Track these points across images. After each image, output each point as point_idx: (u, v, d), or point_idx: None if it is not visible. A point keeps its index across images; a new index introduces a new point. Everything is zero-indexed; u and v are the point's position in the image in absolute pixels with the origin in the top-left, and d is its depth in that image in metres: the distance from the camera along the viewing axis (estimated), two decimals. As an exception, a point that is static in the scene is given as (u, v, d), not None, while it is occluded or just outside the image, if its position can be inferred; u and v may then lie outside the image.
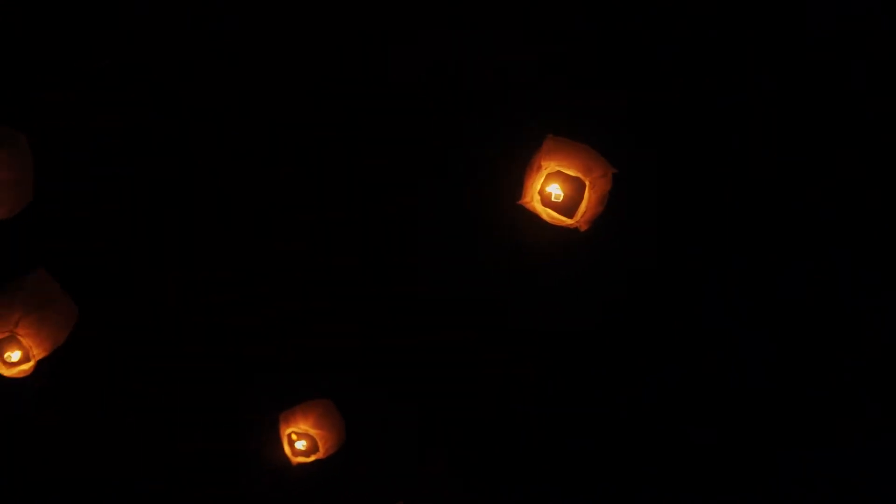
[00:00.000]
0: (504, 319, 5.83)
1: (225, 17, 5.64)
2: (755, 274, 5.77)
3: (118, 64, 5.66)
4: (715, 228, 5.73)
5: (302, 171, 5.74)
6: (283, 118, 5.71)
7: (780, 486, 5.83)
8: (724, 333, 5.83)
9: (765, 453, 5.86)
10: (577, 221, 4.38)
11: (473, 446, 5.97)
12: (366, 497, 5.62)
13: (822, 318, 5.77)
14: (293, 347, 5.86)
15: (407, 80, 5.60)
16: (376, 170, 5.74)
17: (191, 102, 5.75)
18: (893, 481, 5.69)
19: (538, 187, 4.39)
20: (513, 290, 5.74)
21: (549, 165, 4.36)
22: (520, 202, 4.41)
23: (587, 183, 4.35)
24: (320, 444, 5.40)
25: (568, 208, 4.41)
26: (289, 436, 5.40)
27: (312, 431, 5.37)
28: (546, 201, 4.40)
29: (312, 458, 5.41)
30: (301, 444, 5.40)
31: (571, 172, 4.37)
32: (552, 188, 4.40)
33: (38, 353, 4.50)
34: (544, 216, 4.41)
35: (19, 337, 4.44)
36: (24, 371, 4.53)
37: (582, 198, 4.38)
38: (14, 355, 4.50)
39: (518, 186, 4.43)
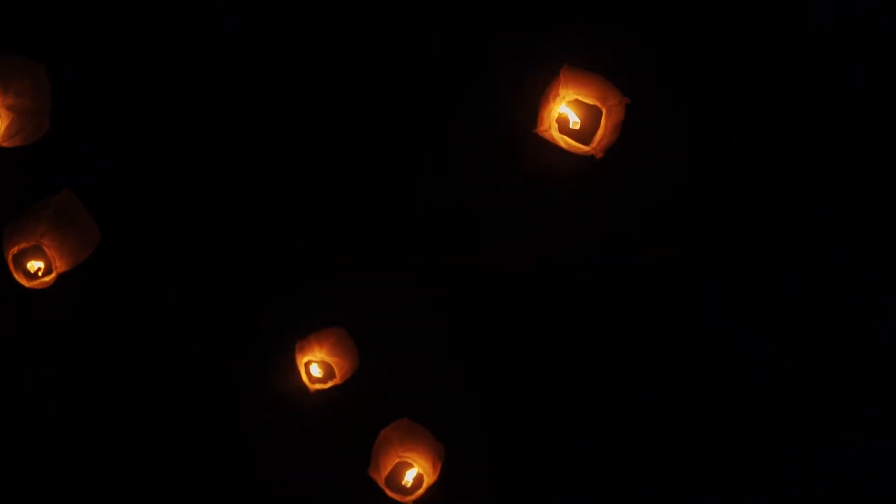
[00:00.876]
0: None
1: (226, 16, 5.64)
2: (755, 274, 5.77)
3: (119, 62, 5.67)
4: (714, 227, 5.73)
5: (302, 164, 5.76)
6: (282, 115, 5.72)
7: (781, 485, 5.82)
8: (723, 333, 5.83)
9: (765, 453, 5.85)
10: (593, 149, 4.45)
11: (476, 445, 5.96)
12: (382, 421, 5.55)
13: (822, 318, 5.77)
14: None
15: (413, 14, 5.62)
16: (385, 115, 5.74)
17: (190, 101, 5.76)
18: (894, 481, 5.69)
19: (555, 115, 4.48)
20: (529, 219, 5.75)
21: (566, 93, 4.45)
22: (536, 130, 4.48)
23: (604, 110, 4.44)
24: (336, 371, 5.45)
25: (583, 137, 4.50)
26: (305, 364, 5.47)
27: (329, 359, 5.44)
28: (563, 129, 4.49)
29: (330, 385, 5.46)
30: (317, 371, 5.47)
31: (588, 100, 4.46)
32: (570, 115, 4.49)
33: (59, 266, 4.64)
34: (562, 143, 4.48)
35: (44, 247, 4.61)
36: (44, 283, 4.67)
37: (597, 126, 4.47)
38: (36, 264, 4.66)
39: (533, 117, 4.51)
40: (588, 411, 5.98)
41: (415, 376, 5.94)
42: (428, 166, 5.79)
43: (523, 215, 5.77)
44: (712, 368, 5.88)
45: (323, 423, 5.85)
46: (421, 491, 5.16)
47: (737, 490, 5.88)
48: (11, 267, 4.68)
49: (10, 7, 5.57)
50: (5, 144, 4.41)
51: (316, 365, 5.50)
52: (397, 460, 5.14)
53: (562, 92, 4.45)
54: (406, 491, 5.17)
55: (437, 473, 5.16)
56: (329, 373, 5.49)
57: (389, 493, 5.14)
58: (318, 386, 5.49)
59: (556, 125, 4.48)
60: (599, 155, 4.46)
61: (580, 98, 4.47)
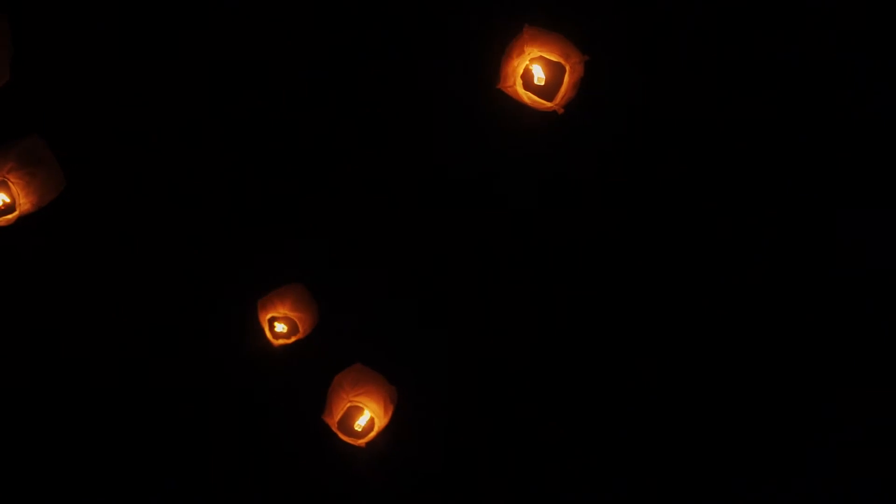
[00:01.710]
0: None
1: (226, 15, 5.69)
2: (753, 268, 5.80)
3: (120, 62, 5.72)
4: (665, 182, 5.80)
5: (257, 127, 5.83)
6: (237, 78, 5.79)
7: (781, 485, 5.83)
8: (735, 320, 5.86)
9: (765, 452, 5.86)
10: (555, 104, 4.67)
11: (431, 389, 5.97)
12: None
13: (823, 317, 5.78)
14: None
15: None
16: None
17: (191, 100, 5.79)
18: (894, 481, 5.69)
19: (520, 72, 4.67)
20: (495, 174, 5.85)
21: (531, 51, 4.64)
22: (499, 86, 4.67)
23: (567, 67, 4.65)
24: (300, 326, 5.56)
25: (543, 93, 4.72)
26: (269, 321, 5.55)
27: (292, 314, 5.53)
28: (528, 85, 4.70)
29: (293, 340, 5.56)
30: (282, 327, 5.56)
31: (553, 57, 4.66)
32: (536, 71, 4.70)
33: (24, 204, 4.74)
34: (525, 99, 4.69)
35: (10, 182, 4.71)
36: (6, 220, 4.74)
37: (558, 83, 4.69)
38: (1, 198, 4.75)
39: (495, 74, 4.71)
40: (589, 409, 5.99)
41: (373, 323, 5.97)
42: (390, 127, 5.84)
43: (489, 168, 5.84)
44: (712, 367, 5.89)
45: (287, 375, 5.88)
46: (373, 434, 5.22)
47: (739, 488, 5.88)
48: None
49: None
50: None
51: (280, 321, 5.58)
52: (349, 405, 5.20)
53: (527, 49, 4.63)
54: (358, 435, 5.24)
55: (389, 417, 5.23)
56: (293, 328, 5.57)
57: (342, 437, 5.21)
58: (282, 341, 5.58)
59: (521, 81, 4.66)
60: (561, 111, 4.67)
61: (544, 55, 4.65)
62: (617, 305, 5.94)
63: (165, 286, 6.02)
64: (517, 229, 5.95)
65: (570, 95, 4.67)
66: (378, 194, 5.96)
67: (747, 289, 5.83)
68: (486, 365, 6.02)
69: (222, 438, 6.07)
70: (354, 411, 5.25)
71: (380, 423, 5.25)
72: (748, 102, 5.71)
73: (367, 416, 5.26)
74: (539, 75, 4.69)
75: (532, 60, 4.67)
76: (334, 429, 5.24)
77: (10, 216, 4.74)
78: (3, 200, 4.73)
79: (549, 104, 4.69)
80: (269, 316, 5.56)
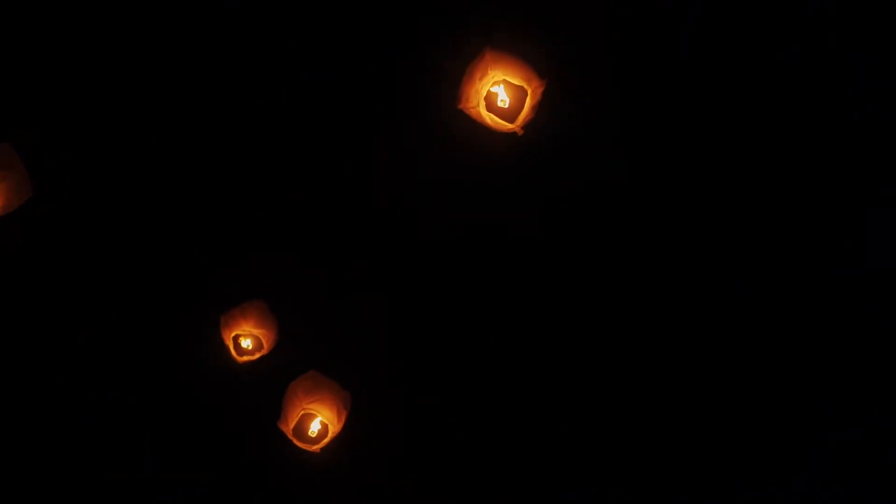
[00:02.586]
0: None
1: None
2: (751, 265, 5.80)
3: (120, 62, 5.73)
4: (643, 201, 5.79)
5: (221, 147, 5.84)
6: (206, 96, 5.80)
7: (781, 485, 5.82)
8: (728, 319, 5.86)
9: (765, 452, 5.85)
10: (516, 126, 4.80)
11: (458, 449, 5.98)
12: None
13: (823, 317, 5.78)
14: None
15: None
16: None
17: (191, 100, 5.79)
18: (894, 481, 5.69)
19: (483, 93, 4.80)
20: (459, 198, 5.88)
21: (495, 74, 4.77)
22: (460, 106, 4.79)
23: (529, 91, 4.78)
24: (264, 342, 5.65)
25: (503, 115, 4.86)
26: (234, 338, 5.63)
27: (256, 331, 5.63)
28: (491, 107, 4.83)
29: (258, 356, 5.66)
30: (247, 343, 5.64)
31: (516, 81, 4.79)
32: (500, 93, 4.83)
33: None
34: (488, 121, 4.82)
35: None
36: None
37: (519, 105, 4.83)
38: None
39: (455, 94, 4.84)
40: (589, 408, 5.99)
41: (333, 335, 5.99)
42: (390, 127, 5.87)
43: (489, 169, 5.87)
44: (712, 364, 5.89)
45: (248, 388, 5.91)
46: (326, 440, 5.38)
47: (739, 488, 5.88)
48: None
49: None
50: None
51: (245, 338, 5.65)
52: (302, 412, 5.37)
53: (490, 72, 4.74)
54: (312, 441, 5.38)
55: (343, 423, 5.38)
56: (257, 345, 5.65)
57: (297, 443, 5.37)
58: (247, 358, 5.66)
59: (484, 103, 4.79)
60: (521, 132, 4.78)
61: (507, 78, 4.77)
62: (617, 305, 5.94)
63: (165, 286, 6.02)
64: (517, 229, 5.95)
65: (531, 117, 4.80)
66: (378, 194, 5.96)
67: (747, 289, 5.83)
68: (486, 365, 6.02)
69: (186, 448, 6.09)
70: (308, 418, 5.42)
71: (333, 428, 5.41)
72: (748, 102, 5.71)
73: (319, 421, 5.43)
74: (502, 97, 4.82)
75: (495, 83, 4.81)
76: (289, 435, 5.39)
77: None
78: None
79: (510, 126, 4.81)
80: (233, 333, 5.64)
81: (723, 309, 5.85)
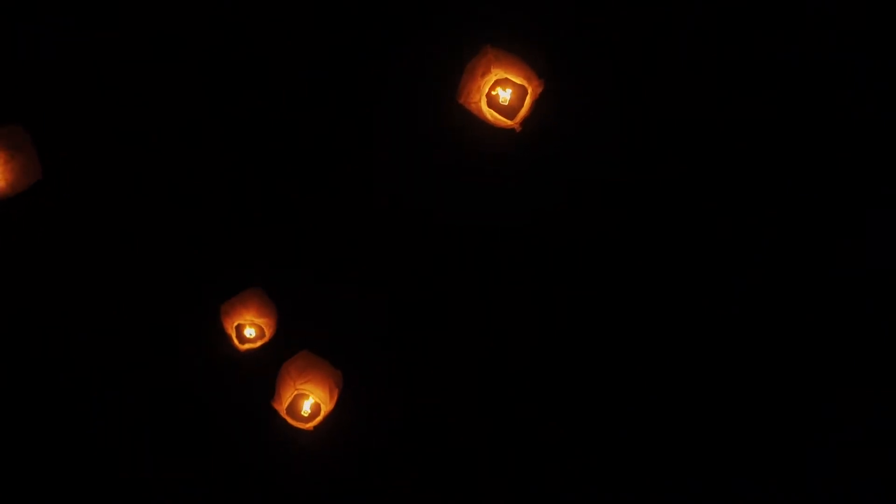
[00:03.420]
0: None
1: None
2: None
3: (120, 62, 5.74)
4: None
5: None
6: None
7: (781, 485, 5.82)
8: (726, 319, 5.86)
9: (765, 452, 5.86)
10: (515, 123, 4.95)
11: (455, 448, 5.99)
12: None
13: (823, 317, 5.78)
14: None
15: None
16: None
17: (191, 100, 5.80)
18: (894, 481, 5.69)
19: (485, 90, 4.94)
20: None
21: (497, 72, 4.91)
22: (460, 101, 4.93)
23: (529, 89, 4.92)
24: (266, 330, 5.72)
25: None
26: (237, 328, 5.70)
27: (258, 320, 5.70)
28: (492, 103, 4.98)
29: (259, 344, 5.73)
30: (251, 333, 5.72)
31: (517, 80, 4.94)
32: (501, 92, 4.98)
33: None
34: (488, 117, 4.96)
35: None
36: None
37: (521, 104, 4.98)
38: None
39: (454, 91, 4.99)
40: (589, 407, 5.99)
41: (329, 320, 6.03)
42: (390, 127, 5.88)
43: (489, 168, 5.89)
44: (712, 362, 5.89)
45: (248, 373, 5.94)
46: (319, 418, 5.50)
47: (739, 487, 5.88)
48: None
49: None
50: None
51: (249, 327, 5.72)
52: (295, 392, 5.48)
53: (493, 70, 4.88)
54: (305, 419, 5.52)
55: (335, 401, 5.51)
56: (259, 333, 5.72)
57: (291, 422, 5.50)
58: (248, 346, 5.72)
59: (486, 99, 4.92)
60: (519, 129, 4.92)
61: (509, 77, 4.91)
62: (617, 305, 5.94)
63: (165, 286, 6.02)
64: (517, 229, 5.95)
65: (526, 115, 4.94)
66: (378, 194, 5.97)
67: (747, 289, 5.83)
68: (486, 365, 6.03)
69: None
70: (301, 398, 5.53)
71: (325, 407, 5.53)
72: (748, 102, 5.71)
73: (312, 401, 5.54)
74: (504, 95, 4.96)
75: (497, 80, 4.95)
76: (283, 414, 5.51)
77: None
78: None
79: (509, 122, 4.95)
80: (235, 322, 5.69)
81: (723, 309, 5.85)
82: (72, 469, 6.05)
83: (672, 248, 5.88)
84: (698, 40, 5.71)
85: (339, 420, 5.61)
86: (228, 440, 6.05)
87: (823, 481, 5.71)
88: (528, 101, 4.92)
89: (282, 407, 5.48)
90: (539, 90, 4.89)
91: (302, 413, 5.52)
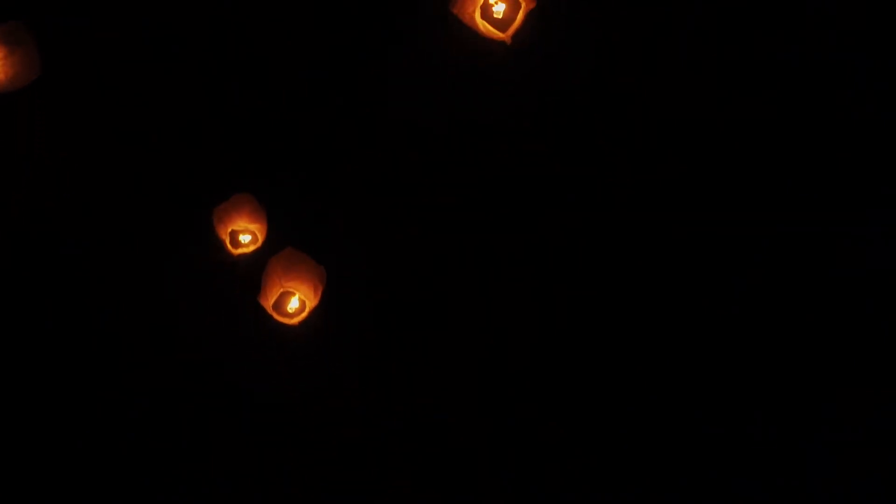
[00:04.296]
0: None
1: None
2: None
3: (120, 61, 5.74)
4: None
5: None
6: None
7: (781, 485, 5.82)
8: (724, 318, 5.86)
9: (765, 452, 5.85)
10: (506, 35, 5.08)
11: (453, 448, 5.98)
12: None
13: (823, 317, 5.78)
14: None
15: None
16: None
17: (191, 100, 5.79)
18: (894, 481, 5.68)
19: (480, 2, 5.08)
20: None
21: None
22: (455, 11, 5.05)
23: (523, 3, 5.05)
24: (259, 236, 5.80)
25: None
26: (230, 233, 5.79)
27: (251, 225, 5.79)
28: (485, 15, 5.14)
29: (252, 249, 5.82)
30: (246, 238, 5.81)
31: None
32: (497, 7, 5.15)
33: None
34: (481, 28, 5.08)
35: None
36: None
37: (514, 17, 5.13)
38: None
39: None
40: (589, 407, 5.99)
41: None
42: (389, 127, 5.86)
43: (489, 168, 5.88)
44: (712, 361, 5.88)
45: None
46: (304, 314, 5.65)
47: (739, 488, 5.88)
48: None
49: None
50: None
51: (244, 233, 5.81)
52: (281, 290, 5.61)
53: None
54: (290, 315, 5.67)
55: (319, 297, 5.65)
56: (253, 238, 5.82)
57: (276, 317, 5.64)
58: (242, 251, 5.81)
59: (480, 11, 5.05)
60: (510, 42, 5.06)
61: None
62: (617, 305, 5.94)
63: (165, 285, 6.02)
64: (517, 229, 5.95)
65: (518, 28, 5.09)
66: (378, 193, 5.97)
67: (747, 289, 5.82)
68: (486, 365, 6.02)
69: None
70: (286, 295, 5.67)
71: (310, 303, 5.66)
72: (748, 102, 5.71)
73: (297, 298, 5.68)
74: (498, 8, 5.10)
75: None
76: (269, 310, 5.63)
77: None
78: None
79: (501, 35, 5.07)
80: (229, 228, 5.78)
81: (723, 309, 5.84)
82: (71, 472, 6.04)
83: (672, 247, 5.88)
84: (698, 40, 5.71)
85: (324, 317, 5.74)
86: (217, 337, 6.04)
87: (823, 481, 5.71)
88: (521, 14, 5.04)
89: (268, 303, 5.62)
90: (533, 3, 5.03)
91: (288, 310, 5.67)
